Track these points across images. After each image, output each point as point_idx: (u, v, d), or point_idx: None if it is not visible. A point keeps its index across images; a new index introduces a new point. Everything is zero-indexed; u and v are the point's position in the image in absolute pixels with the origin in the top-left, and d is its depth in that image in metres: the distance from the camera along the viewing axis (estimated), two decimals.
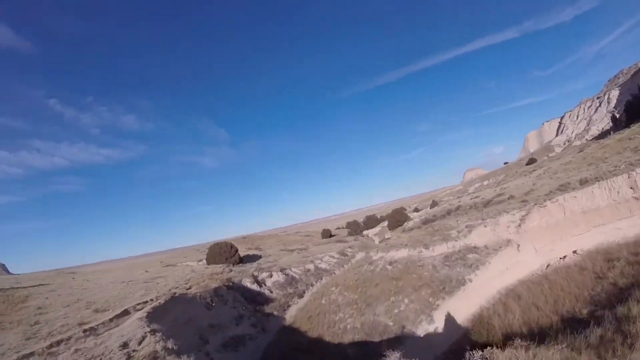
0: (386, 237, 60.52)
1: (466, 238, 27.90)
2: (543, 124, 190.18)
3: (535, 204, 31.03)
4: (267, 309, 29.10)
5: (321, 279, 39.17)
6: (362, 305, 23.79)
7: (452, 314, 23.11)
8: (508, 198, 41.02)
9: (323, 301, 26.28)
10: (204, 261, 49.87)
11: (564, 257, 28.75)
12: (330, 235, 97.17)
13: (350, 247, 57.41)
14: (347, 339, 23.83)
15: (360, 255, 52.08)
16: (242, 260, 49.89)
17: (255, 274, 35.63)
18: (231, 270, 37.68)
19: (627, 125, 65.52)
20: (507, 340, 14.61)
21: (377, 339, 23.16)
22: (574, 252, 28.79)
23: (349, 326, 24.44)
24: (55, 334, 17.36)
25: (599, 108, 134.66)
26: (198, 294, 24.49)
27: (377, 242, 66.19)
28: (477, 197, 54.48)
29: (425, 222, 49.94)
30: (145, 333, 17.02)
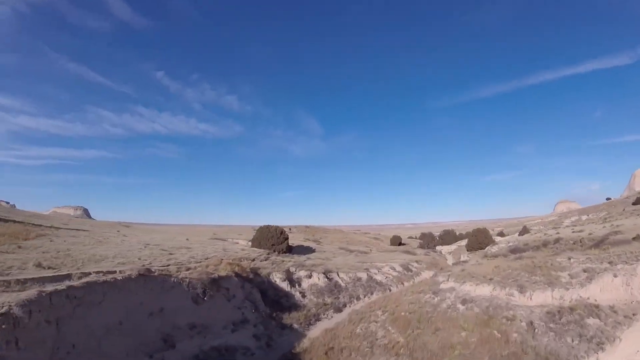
0: (462, 259, 51.09)
1: (583, 288, 18.89)
2: None
3: None
4: (288, 318, 23.23)
5: (372, 293, 32.29)
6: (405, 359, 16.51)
7: None
8: (634, 238, 29.93)
9: (359, 329, 19.56)
10: None
11: None
12: (400, 244, 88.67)
13: (417, 262, 49.22)
14: None
15: (425, 275, 43.89)
16: (291, 250, 44.82)
17: (292, 269, 30.02)
18: (266, 259, 32.58)
19: None
20: None
21: None
22: None
23: None
24: None
25: None
26: (187, 280, 19.28)
27: (450, 262, 56.78)
28: (580, 231, 42.66)
29: (514, 250, 40.04)
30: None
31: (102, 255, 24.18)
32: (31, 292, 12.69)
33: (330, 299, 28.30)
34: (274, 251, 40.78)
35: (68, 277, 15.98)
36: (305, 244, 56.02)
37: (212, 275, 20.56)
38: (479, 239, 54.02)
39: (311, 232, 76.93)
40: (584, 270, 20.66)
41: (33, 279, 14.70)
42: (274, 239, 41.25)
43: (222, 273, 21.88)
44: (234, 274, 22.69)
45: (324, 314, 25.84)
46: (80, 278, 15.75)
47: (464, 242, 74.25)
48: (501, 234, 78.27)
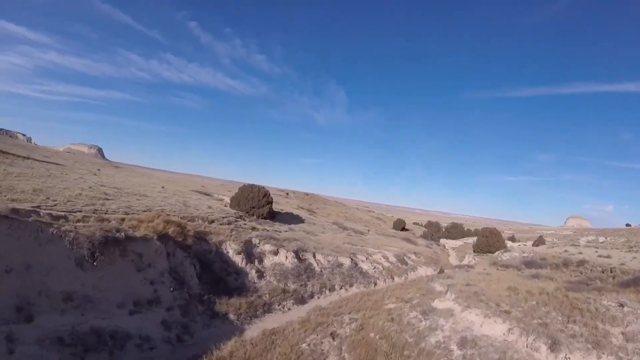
0: (467, 260, 44.92)
1: None
2: None
3: None
4: (226, 304, 17.58)
5: (351, 285, 26.68)
6: None
7: None
8: None
9: (306, 344, 13.78)
10: None
11: None
12: (403, 229, 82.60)
13: (415, 254, 43.22)
14: None
15: (422, 271, 37.90)
16: (275, 216, 39.29)
17: (255, 241, 24.35)
18: (231, 223, 26.94)
19: None
20: None
21: None
22: None
23: None
24: None
25: None
26: (72, 234, 13.53)
27: (453, 260, 50.71)
28: (607, 256, 35.87)
29: (529, 264, 33.59)
30: None
31: (22, 190, 19.16)
32: None
33: (295, 285, 22.71)
34: (253, 215, 35.28)
35: None
36: (297, 212, 50.38)
37: (116, 235, 14.77)
38: (489, 241, 47.58)
39: (309, 201, 71.20)
40: None
41: None
42: (254, 201, 35.60)
43: (138, 233, 16.13)
44: (156, 236, 16.85)
45: (279, 305, 20.32)
46: None
47: (470, 240, 67.86)
48: (512, 239, 71.48)
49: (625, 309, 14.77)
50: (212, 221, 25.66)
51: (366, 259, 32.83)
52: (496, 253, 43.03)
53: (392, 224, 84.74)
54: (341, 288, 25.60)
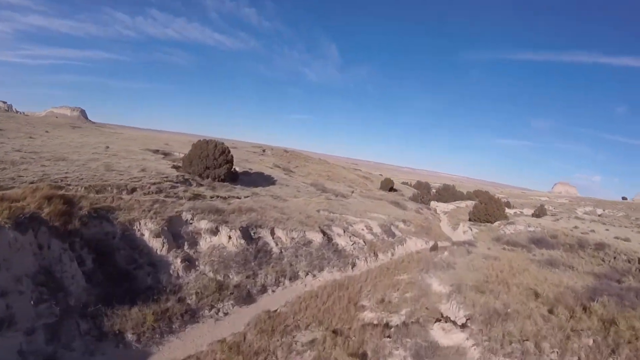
0: (463, 230, 39.21)
1: None
2: None
3: None
4: (119, 318, 11.07)
5: (322, 269, 20.62)
6: None
7: None
8: None
9: None
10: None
11: None
12: (391, 189, 76.82)
13: (404, 222, 37.28)
14: None
15: (412, 244, 32.04)
16: (236, 178, 32.54)
17: (186, 216, 17.73)
18: (162, 191, 20.20)
19: None
20: None
21: None
22: None
23: None
24: None
25: None
26: None
27: (445, 227, 45.16)
28: (626, 239, 30.53)
29: (539, 243, 28.01)
30: None
31: None
32: None
33: (239, 276, 16.46)
34: (208, 177, 28.52)
35: None
36: (270, 172, 43.61)
37: None
38: (488, 209, 41.85)
39: (287, 159, 63.93)
40: None
41: None
42: (209, 160, 28.65)
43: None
44: (14, 223, 10.21)
45: (211, 309, 14.17)
46: None
47: (463, 204, 62.54)
48: (508, 205, 66.23)
49: None
50: (134, 190, 18.90)
51: (344, 231, 26.74)
52: (496, 224, 37.45)
53: (379, 184, 78.76)
54: (307, 274, 19.49)
